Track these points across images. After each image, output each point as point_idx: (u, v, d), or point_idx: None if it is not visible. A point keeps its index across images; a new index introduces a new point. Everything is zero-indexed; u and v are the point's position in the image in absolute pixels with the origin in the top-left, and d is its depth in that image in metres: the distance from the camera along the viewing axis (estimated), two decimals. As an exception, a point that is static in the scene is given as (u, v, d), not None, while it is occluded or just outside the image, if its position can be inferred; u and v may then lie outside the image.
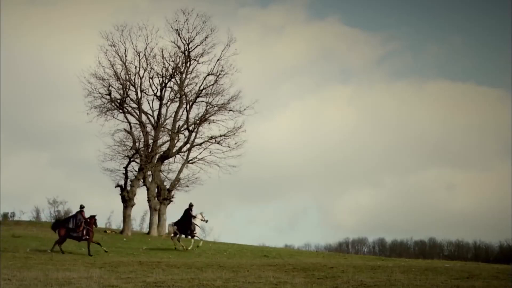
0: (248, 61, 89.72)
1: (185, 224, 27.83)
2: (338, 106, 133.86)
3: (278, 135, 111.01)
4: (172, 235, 28.28)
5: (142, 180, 39.38)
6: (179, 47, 40.03)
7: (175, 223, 28.15)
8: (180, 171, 40.34)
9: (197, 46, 40.11)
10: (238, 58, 40.01)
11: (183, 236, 28.21)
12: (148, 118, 40.08)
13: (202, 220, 28.38)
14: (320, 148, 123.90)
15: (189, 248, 27.29)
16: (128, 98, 39.73)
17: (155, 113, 40.11)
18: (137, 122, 39.80)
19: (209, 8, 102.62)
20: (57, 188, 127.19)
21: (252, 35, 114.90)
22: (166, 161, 40.51)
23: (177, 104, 40.38)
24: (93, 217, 24.79)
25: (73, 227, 24.32)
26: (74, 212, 25.02)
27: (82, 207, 24.77)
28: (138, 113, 39.77)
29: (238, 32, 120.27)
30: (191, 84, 40.58)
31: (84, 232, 24.48)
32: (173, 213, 41.35)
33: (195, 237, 28.05)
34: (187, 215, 28.03)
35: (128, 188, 38.73)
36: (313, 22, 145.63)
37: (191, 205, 28.39)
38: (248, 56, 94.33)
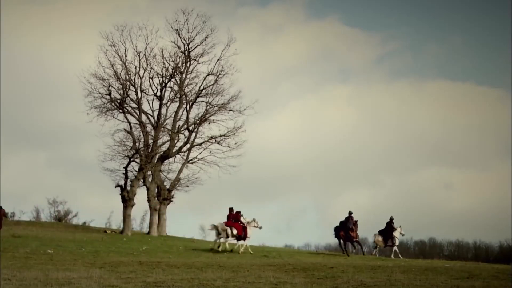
0: (248, 61, 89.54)
1: (388, 235, 30.29)
2: (338, 106, 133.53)
3: (278, 134, 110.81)
4: (377, 245, 30.84)
5: (142, 180, 39.38)
6: (179, 47, 40.05)
7: (380, 233, 30.55)
8: (180, 171, 40.36)
9: (197, 46, 40.15)
10: (237, 57, 40.08)
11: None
12: (148, 118, 40.11)
13: (400, 233, 30.64)
14: (320, 148, 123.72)
15: (392, 257, 29.34)
16: (128, 98, 39.75)
17: (155, 113, 40.15)
18: (137, 122, 39.82)
19: (208, 8, 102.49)
20: (57, 188, 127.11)
21: (252, 35, 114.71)
22: (166, 161, 40.51)
23: (177, 104, 40.41)
24: (356, 222, 28.61)
25: (348, 230, 28.22)
26: (343, 218, 28.70)
27: (350, 213, 28.56)
28: (138, 113, 39.78)
29: (237, 32, 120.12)
30: (191, 84, 40.63)
31: (355, 234, 28.45)
32: (173, 213, 41.31)
33: (395, 248, 30.18)
34: (390, 227, 30.40)
35: (128, 188, 38.73)
36: (312, 21, 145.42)
37: (392, 218, 30.61)
38: (248, 55, 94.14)
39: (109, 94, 39.26)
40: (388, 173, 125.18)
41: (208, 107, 40.17)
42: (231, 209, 28.18)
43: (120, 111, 39.54)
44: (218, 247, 27.38)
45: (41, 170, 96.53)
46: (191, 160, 40.49)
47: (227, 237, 27.09)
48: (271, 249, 32.74)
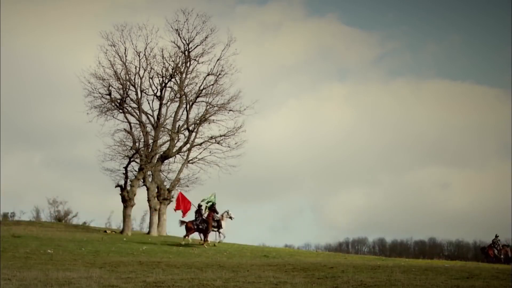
0: (245, 59, 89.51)
1: None
2: (336, 105, 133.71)
3: (275, 134, 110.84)
4: None
5: (142, 180, 39.39)
6: (179, 47, 40.07)
7: None
8: (180, 171, 40.36)
9: (197, 46, 40.19)
10: (236, 56, 40.11)
11: None
12: (148, 118, 40.13)
13: None
14: (318, 147, 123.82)
15: None
16: (128, 98, 39.79)
17: (155, 113, 40.16)
18: (137, 122, 39.84)
19: (207, 6, 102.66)
20: (56, 188, 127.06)
21: (250, 33, 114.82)
22: (166, 161, 40.53)
23: (177, 104, 40.43)
24: None
25: None
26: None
27: None
28: (138, 113, 39.80)
29: (236, 30, 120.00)
30: (191, 84, 40.66)
31: None
32: (173, 213, 41.33)
33: None
34: None
35: (128, 188, 38.75)
36: (311, 20, 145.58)
37: None
38: (246, 54, 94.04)
39: (109, 94, 39.30)
40: (386, 173, 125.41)
41: (208, 107, 40.21)
42: None
43: (120, 111, 39.58)
44: None
45: (40, 170, 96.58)
46: (191, 160, 40.51)
47: None
48: (271, 249, 32.77)
